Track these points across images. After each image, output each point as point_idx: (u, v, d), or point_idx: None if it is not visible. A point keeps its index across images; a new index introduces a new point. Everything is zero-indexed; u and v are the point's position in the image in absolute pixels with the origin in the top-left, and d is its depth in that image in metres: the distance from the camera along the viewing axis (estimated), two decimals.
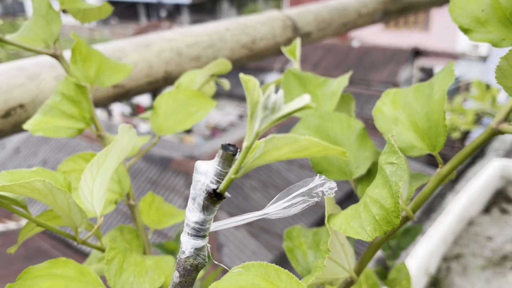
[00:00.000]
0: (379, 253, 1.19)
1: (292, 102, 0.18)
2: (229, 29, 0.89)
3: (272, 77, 9.17)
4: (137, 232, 0.44)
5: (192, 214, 0.22)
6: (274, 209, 0.24)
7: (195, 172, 0.22)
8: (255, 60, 1.03)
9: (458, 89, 9.28)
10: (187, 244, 0.23)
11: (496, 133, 0.34)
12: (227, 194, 0.21)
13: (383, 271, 0.76)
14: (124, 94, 0.75)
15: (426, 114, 0.37)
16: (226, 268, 0.26)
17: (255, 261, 0.31)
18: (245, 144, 0.19)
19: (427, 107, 0.37)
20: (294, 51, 0.56)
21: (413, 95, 0.39)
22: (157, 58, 0.79)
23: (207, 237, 0.23)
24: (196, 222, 0.22)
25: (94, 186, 0.34)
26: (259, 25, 0.97)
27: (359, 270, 0.40)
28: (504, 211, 1.43)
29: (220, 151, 0.21)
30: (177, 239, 0.80)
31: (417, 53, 10.38)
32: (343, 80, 0.48)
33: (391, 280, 0.68)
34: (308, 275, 0.32)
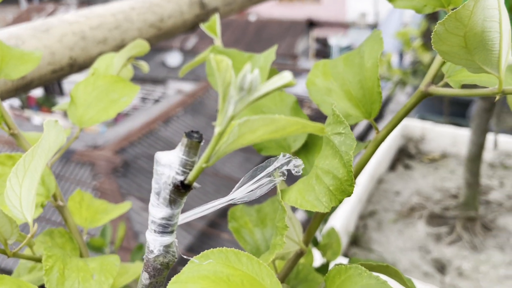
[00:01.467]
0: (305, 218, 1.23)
1: (271, 80, 0.17)
2: (134, 8, 0.84)
3: (172, 56, 8.95)
4: (69, 234, 0.41)
5: (158, 210, 0.21)
6: (240, 194, 0.23)
7: (157, 165, 0.20)
8: (164, 39, 0.99)
9: None
10: (155, 242, 0.21)
11: (425, 95, 0.36)
12: (195, 184, 0.20)
13: (315, 237, 0.78)
14: (26, 86, 0.68)
15: (359, 83, 0.38)
16: (194, 260, 0.25)
17: (214, 249, 0.30)
18: (217, 130, 0.18)
19: (359, 75, 0.38)
20: (214, 27, 0.54)
21: (343, 65, 0.40)
22: (60, 43, 0.72)
23: (175, 232, 0.22)
24: (163, 218, 0.21)
25: (22, 191, 0.30)
26: (165, 3, 0.93)
27: (307, 241, 0.40)
28: (407, 167, 1.55)
29: (184, 140, 0.20)
30: (103, 235, 0.76)
31: (311, 24, 10.75)
32: (270, 54, 0.48)
33: (323, 245, 0.70)
34: (267, 253, 0.32)
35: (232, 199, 0.23)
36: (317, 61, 0.43)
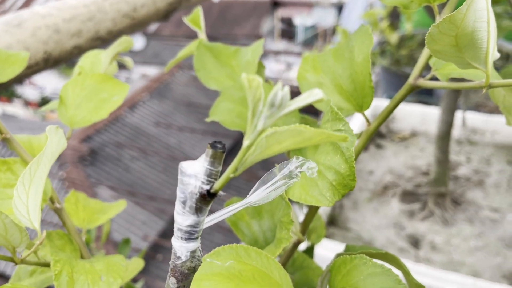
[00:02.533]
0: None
1: (301, 96, 0.18)
2: None
3: (135, 40, 8.72)
4: (68, 236, 0.41)
5: (185, 218, 0.22)
6: (256, 197, 0.24)
7: (182, 175, 0.21)
8: (138, 30, 0.98)
9: (316, 36, 9.84)
10: (181, 248, 0.22)
11: (414, 88, 0.38)
12: (221, 192, 0.21)
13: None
14: (1, 86, 0.66)
15: (349, 77, 0.39)
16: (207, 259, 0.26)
17: (225, 246, 0.31)
18: (246, 143, 0.19)
19: (349, 69, 0.39)
20: (198, 20, 0.54)
21: (333, 59, 0.41)
22: (33, 38, 0.70)
23: (199, 238, 0.23)
24: (190, 226, 0.22)
25: (29, 200, 0.31)
26: None
27: (303, 231, 0.42)
28: (379, 146, 1.60)
29: (209, 150, 0.21)
30: (88, 231, 0.76)
31: (275, 4, 10.69)
32: (257, 48, 0.49)
33: (310, 230, 0.73)
34: (273, 247, 0.33)
35: (249, 202, 0.24)
36: (305, 54, 0.44)
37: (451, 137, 1.24)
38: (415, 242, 1.23)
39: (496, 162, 1.51)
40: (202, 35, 0.54)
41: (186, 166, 0.21)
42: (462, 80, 0.37)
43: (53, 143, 0.31)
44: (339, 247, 1.05)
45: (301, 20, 9.92)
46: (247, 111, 0.44)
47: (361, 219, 1.30)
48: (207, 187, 0.21)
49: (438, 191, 1.31)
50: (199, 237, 0.23)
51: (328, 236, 1.24)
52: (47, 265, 0.35)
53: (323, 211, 1.25)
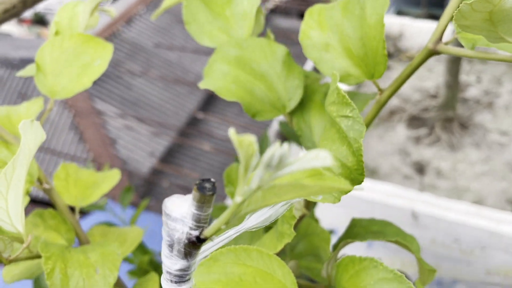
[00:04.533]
0: None
1: (305, 158, 0.14)
2: None
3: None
4: (61, 215, 0.39)
5: (173, 262, 0.19)
6: (255, 220, 0.21)
7: (167, 218, 0.18)
8: None
9: None
10: None
11: (432, 53, 0.33)
12: (213, 236, 0.18)
13: None
14: None
15: (360, 40, 0.35)
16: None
17: (223, 249, 0.29)
18: (238, 199, 0.16)
19: (360, 31, 0.35)
20: None
21: (341, 15, 0.36)
22: None
23: (192, 279, 0.20)
24: (180, 270, 0.19)
25: (9, 204, 0.28)
26: None
27: (308, 206, 0.40)
28: (387, 67, 1.54)
29: (196, 194, 0.17)
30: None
31: None
32: None
33: None
34: (276, 241, 0.31)
35: (246, 227, 0.21)
36: (311, 7, 0.39)
37: (462, 58, 1.18)
38: (420, 168, 1.22)
39: (507, 81, 1.46)
40: None
41: (171, 207, 0.18)
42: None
43: (28, 140, 0.28)
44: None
45: None
46: (245, 75, 0.40)
47: (365, 146, 1.28)
48: (195, 233, 0.18)
49: (446, 115, 1.27)
50: (192, 278, 0.20)
51: None
52: (39, 256, 0.34)
53: None
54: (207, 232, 0.18)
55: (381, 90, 0.35)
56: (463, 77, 1.46)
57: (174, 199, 0.19)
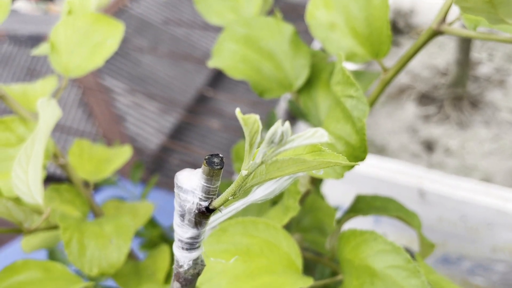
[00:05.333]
0: None
1: (304, 135, 0.16)
2: None
3: None
4: (76, 189, 0.41)
5: (184, 231, 0.21)
6: (261, 193, 0.23)
7: (179, 190, 0.20)
8: None
9: None
10: (184, 258, 0.21)
11: (436, 33, 0.34)
12: (222, 207, 0.20)
13: None
14: None
15: (366, 20, 0.36)
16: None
17: (232, 220, 0.31)
18: (244, 173, 0.17)
19: (365, 11, 0.35)
20: None
21: None
22: None
23: (202, 247, 0.22)
24: (191, 238, 0.21)
25: (29, 177, 0.30)
26: None
27: (313, 181, 0.41)
28: (396, 44, 1.53)
29: (206, 168, 0.19)
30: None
31: None
32: None
33: None
34: (281, 215, 0.33)
35: (253, 199, 0.23)
36: None
37: None
38: (428, 146, 1.23)
39: None
40: None
41: (182, 180, 0.20)
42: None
43: (46, 117, 0.30)
44: None
45: None
46: (252, 54, 0.41)
47: (373, 123, 1.29)
48: (205, 203, 0.20)
49: (456, 92, 1.27)
50: (201, 246, 0.22)
51: None
52: (56, 227, 0.36)
53: None
54: (215, 203, 0.19)
55: (385, 69, 0.36)
56: (475, 55, 1.45)
57: (185, 173, 0.20)
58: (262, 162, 0.17)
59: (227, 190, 0.19)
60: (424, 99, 1.33)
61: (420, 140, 1.22)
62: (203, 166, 0.19)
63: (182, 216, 0.21)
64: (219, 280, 0.28)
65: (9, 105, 0.39)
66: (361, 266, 0.29)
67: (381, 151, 1.21)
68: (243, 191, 0.19)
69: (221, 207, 0.20)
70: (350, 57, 0.37)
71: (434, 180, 1.04)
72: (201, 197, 0.20)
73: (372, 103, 0.37)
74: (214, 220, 0.23)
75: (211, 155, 0.19)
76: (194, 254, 0.22)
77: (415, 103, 1.32)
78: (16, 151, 0.36)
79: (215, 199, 0.20)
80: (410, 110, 1.31)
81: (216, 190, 0.20)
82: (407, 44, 1.54)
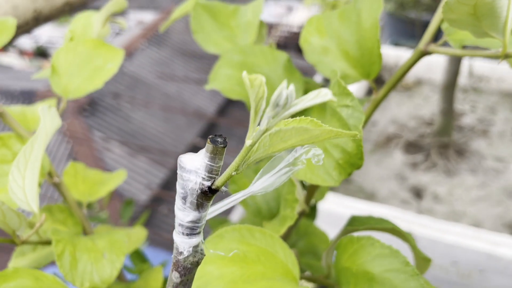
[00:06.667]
0: None
1: (309, 96, 0.16)
2: None
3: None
4: (69, 209, 0.41)
5: (186, 214, 0.21)
6: (260, 185, 0.23)
7: (181, 170, 0.20)
8: None
9: None
10: (184, 244, 0.21)
11: (424, 54, 0.36)
12: (223, 188, 0.20)
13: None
14: None
15: (357, 42, 0.37)
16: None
17: (228, 227, 0.31)
18: (248, 142, 0.18)
19: (356, 34, 0.37)
20: None
21: (339, 22, 0.39)
22: None
23: (202, 233, 0.22)
24: (191, 221, 0.21)
25: (25, 183, 0.30)
26: None
27: (308, 201, 0.42)
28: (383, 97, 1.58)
29: (209, 146, 0.19)
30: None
31: None
32: (257, 6, 0.46)
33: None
34: (277, 225, 0.33)
35: (253, 191, 0.23)
36: (310, 16, 0.42)
37: (456, 86, 1.22)
38: (417, 193, 1.24)
39: (501, 110, 1.49)
40: None
41: (185, 161, 0.20)
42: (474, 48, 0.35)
43: (46, 123, 0.30)
44: (343, 200, 1.05)
45: None
46: None
47: (363, 171, 1.31)
48: (208, 183, 0.20)
49: (442, 141, 1.30)
50: (202, 232, 0.22)
51: (329, 189, 1.24)
52: (48, 242, 0.35)
53: None
54: (218, 181, 0.20)
55: (376, 90, 0.38)
56: (458, 106, 1.50)
57: (188, 155, 0.21)
58: (266, 129, 0.17)
59: (230, 165, 0.19)
60: (411, 147, 1.36)
61: (409, 187, 1.23)
62: (207, 144, 0.20)
63: (184, 198, 0.21)
64: (216, 284, 0.27)
65: (7, 123, 0.39)
66: (359, 272, 0.29)
67: (371, 197, 1.21)
68: (246, 165, 0.19)
69: (223, 188, 0.20)
70: (342, 79, 0.39)
71: (424, 224, 1.03)
72: (204, 176, 0.20)
73: (365, 123, 0.38)
74: (214, 210, 0.23)
75: (215, 135, 0.20)
76: (194, 240, 0.21)
77: (403, 151, 1.35)
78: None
79: (217, 178, 0.20)
80: (398, 158, 1.33)
81: (219, 170, 0.20)
82: (393, 96, 1.59)
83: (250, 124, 0.17)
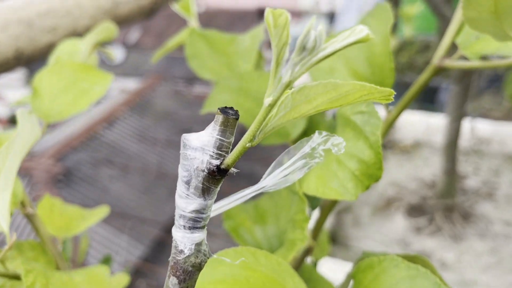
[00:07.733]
0: None
1: (341, 37, 0.15)
2: None
3: (114, 50, 8.68)
4: (41, 246, 0.38)
5: (189, 202, 0.19)
6: (272, 181, 0.21)
7: (186, 148, 0.18)
8: (120, 28, 0.96)
9: None
10: (186, 240, 0.19)
11: (438, 70, 0.36)
12: (233, 169, 0.18)
13: None
14: None
15: (366, 60, 0.37)
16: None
17: (228, 249, 0.28)
18: (267, 101, 0.16)
19: (365, 52, 0.37)
20: (188, 7, 0.52)
21: None
22: (3, 33, 0.68)
23: (206, 228, 0.20)
24: (195, 211, 0.19)
25: None
26: None
27: (315, 236, 0.39)
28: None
29: (219, 117, 0.18)
30: (63, 250, 0.72)
31: (262, 13, 10.78)
32: (257, 34, 0.46)
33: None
34: (285, 250, 0.30)
35: (264, 187, 0.21)
36: None
37: (458, 146, 1.23)
38: None
39: (505, 173, 1.50)
40: (194, 23, 0.51)
41: (191, 138, 0.18)
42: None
43: (25, 130, 0.28)
44: (342, 266, 1.01)
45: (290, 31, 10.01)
46: (246, 102, 0.42)
47: (363, 236, 1.27)
48: (216, 162, 0.18)
49: (446, 204, 1.29)
50: (205, 227, 0.20)
51: (328, 255, 1.20)
52: (17, 277, 0.32)
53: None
54: (229, 159, 0.18)
55: (388, 109, 0.37)
56: (460, 169, 1.50)
57: (193, 134, 0.19)
58: (290, 82, 0.16)
59: (243, 136, 0.17)
60: (413, 211, 1.34)
61: (414, 253, 1.19)
62: (216, 115, 0.18)
63: (187, 183, 0.19)
64: None
65: None
66: None
67: None
68: (264, 133, 0.17)
69: (232, 170, 0.18)
70: None
71: None
72: (212, 154, 0.18)
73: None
74: (221, 206, 0.21)
75: (225, 107, 0.18)
76: (197, 236, 0.19)
77: (405, 215, 1.32)
78: None
79: (227, 157, 0.18)
80: (399, 222, 1.31)
81: (230, 146, 0.18)
82: (391, 158, 1.60)
83: (270, 79, 0.16)
